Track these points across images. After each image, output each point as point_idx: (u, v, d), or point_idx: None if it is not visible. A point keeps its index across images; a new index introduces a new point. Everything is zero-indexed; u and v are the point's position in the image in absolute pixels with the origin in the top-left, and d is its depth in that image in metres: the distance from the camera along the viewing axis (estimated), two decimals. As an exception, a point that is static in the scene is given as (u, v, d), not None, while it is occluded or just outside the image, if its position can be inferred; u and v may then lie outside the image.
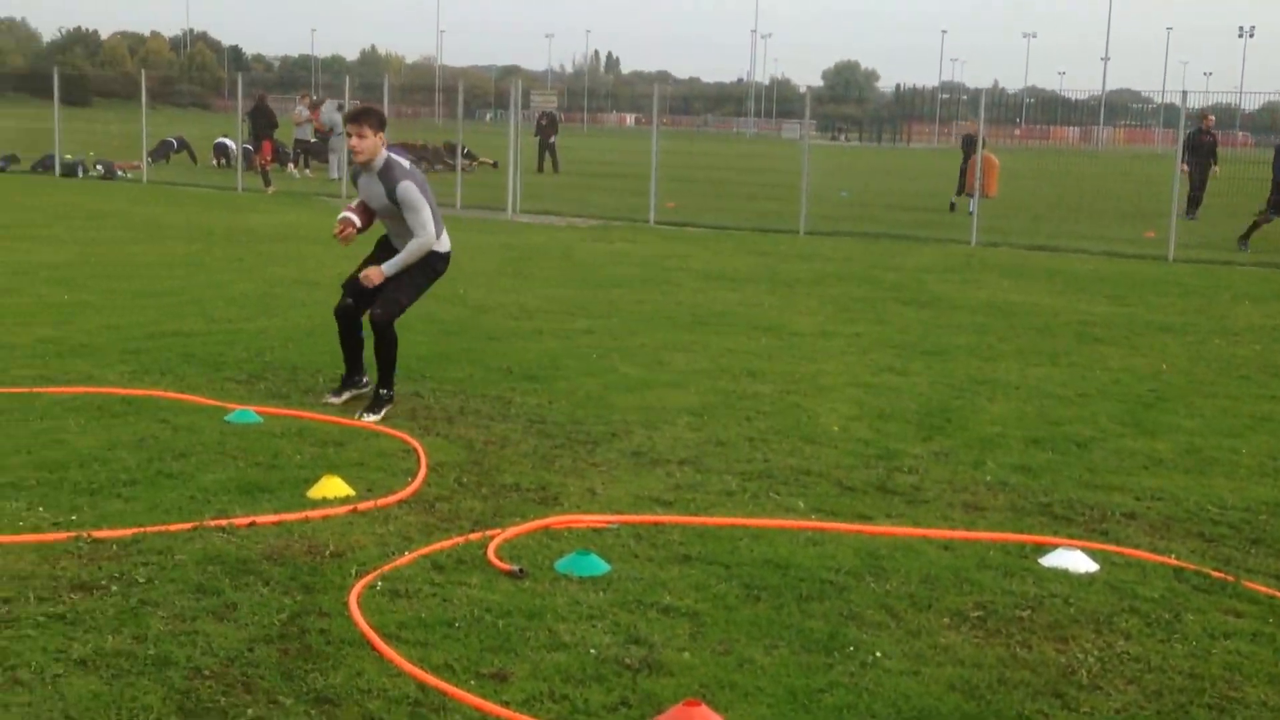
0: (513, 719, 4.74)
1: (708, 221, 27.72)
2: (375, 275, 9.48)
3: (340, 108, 36.94)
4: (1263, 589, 6.50)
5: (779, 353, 12.39)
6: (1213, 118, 33.14)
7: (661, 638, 5.56)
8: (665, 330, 13.46)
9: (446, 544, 6.62)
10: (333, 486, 7.41)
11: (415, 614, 5.71)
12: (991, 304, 16.42)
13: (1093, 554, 6.83)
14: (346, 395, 9.84)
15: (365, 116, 9.49)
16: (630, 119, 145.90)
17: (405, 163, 9.59)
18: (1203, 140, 31.42)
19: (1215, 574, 6.68)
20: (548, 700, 4.93)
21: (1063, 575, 6.58)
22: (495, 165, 41.41)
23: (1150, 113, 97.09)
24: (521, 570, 6.26)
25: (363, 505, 7.18)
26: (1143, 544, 7.15)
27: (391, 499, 7.33)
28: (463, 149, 35.13)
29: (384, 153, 9.50)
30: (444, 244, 9.76)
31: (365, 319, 9.63)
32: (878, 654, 5.49)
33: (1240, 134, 72.42)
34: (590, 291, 16.23)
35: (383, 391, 9.55)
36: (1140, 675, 5.43)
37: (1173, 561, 6.85)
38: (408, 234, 9.51)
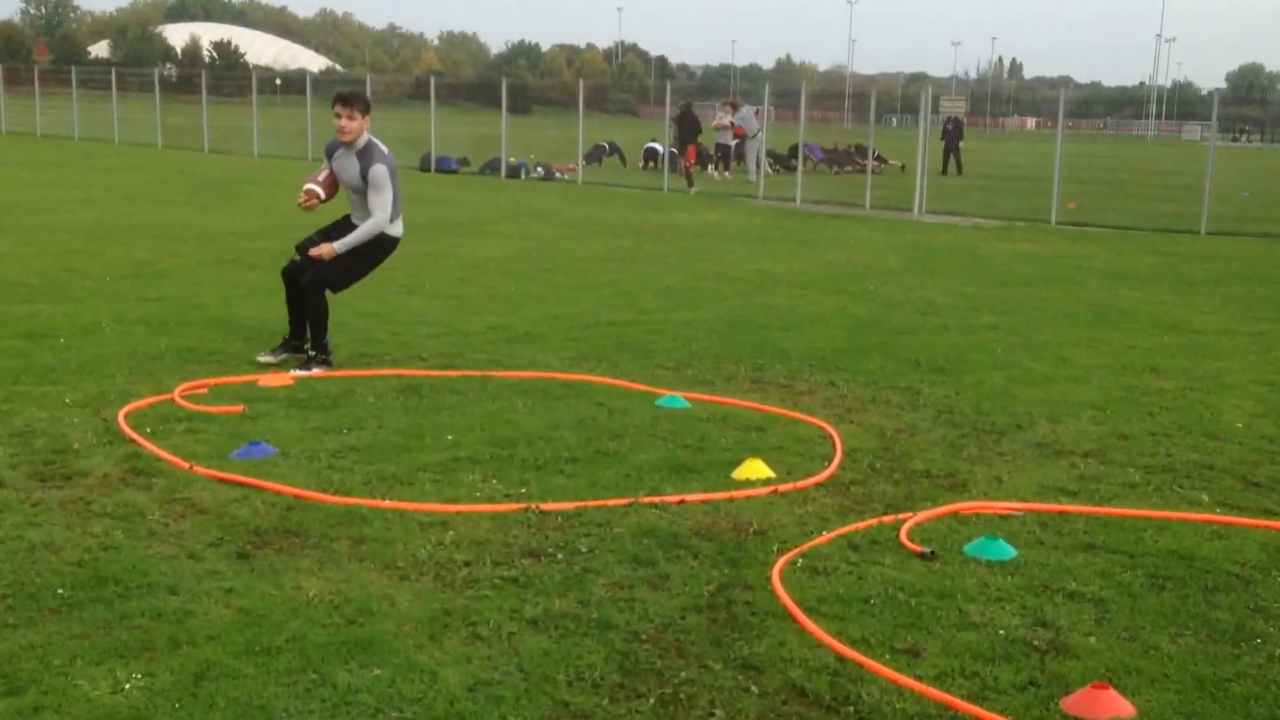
0: (927, 693, 4.73)
1: (1108, 222, 26.89)
2: (327, 251, 9.93)
3: (758, 112, 37.25)
4: None
5: (1181, 350, 11.96)
6: None
7: (1068, 622, 5.46)
8: (1067, 327, 13.16)
9: (861, 525, 6.63)
10: (755, 469, 7.50)
11: (833, 590, 5.74)
12: (1403, 304, 15.41)
13: None
14: (283, 355, 10.20)
15: (355, 101, 9.88)
16: (1031, 122, 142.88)
17: (384, 148, 10.01)
18: None
19: None
20: (959, 677, 4.90)
21: None
22: (903, 168, 41.09)
23: None
24: (933, 552, 6.23)
25: (783, 487, 7.25)
26: None
27: (810, 482, 7.38)
28: (873, 152, 35.01)
29: (366, 135, 9.90)
30: (397, 229, 10.18)
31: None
32: (1286, 647, 5.26)
33: None
34: (994, 289, 15.98)
35: (312, 353, 10.02)
36: None
37: None
38: (367, 212, 9.95)
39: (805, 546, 6.27)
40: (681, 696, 4.66)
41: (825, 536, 6.44)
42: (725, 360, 10.85)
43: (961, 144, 45.65)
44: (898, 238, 22.60)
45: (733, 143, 39.64)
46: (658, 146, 41.99)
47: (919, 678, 4.85)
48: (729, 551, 6.19)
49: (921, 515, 6.81)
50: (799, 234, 22.84)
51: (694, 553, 6.17)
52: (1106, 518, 6.93)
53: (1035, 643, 5.23)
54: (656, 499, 6.93)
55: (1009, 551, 6.27)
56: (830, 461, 7.82)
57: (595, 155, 43.02)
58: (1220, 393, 10.11)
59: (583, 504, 6.80)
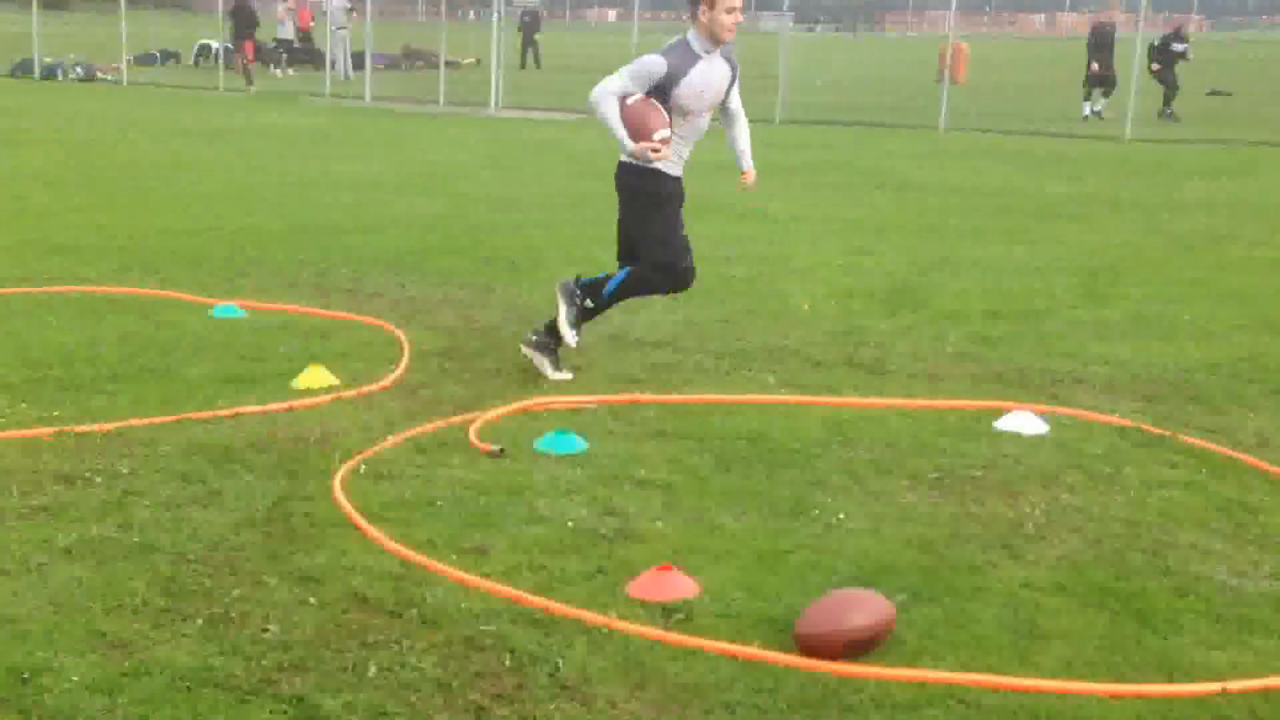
0: (493, 590, 4.78)
1: (686, 112, 27.49)
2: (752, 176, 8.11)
3: (349, 10, 36.61)
4: (1196, 442, 6.71)
5: (754, 237, 12.39)
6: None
7: (636, 509, 5.62)
8: (643, 218, 13.40)
9: (429, 428, 6.65)
10: (317, 377, 7.40)
11: (398, 495, 5.74)
12: (958, 186, 16.51)
13: (1043, 417, 6.99)
14: None
15: None
16: (612, 14, 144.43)
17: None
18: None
19: (1154, 430, 6.87)
20: (526, 570, 4.98)
21: (1014, 437, 6.75)
22: (478, 62, 41.08)
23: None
24: (501, 450, 6.29)
25: (347, 393, 7.19)
26: (1089, 405, 7.34)
27: (375, 386, 7.34)
28: (444, 57, 34.82)
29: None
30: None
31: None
32: (841, 516, 5.60)
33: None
34: (573, 184, 16.19)
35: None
36: (1082, 525, 5.61)
37: (1116, 420, 7.04)
38: (693, 134, 7.86)
39: (369, 452, 6.24)
40: (233, 615, 4.57)
41: (390, 441, 6.42)
42: (287, 266, 10.66)
43: (538, 37, 45.93)
44: (474, 134, 22.65)
45: (295, 37, 38.85)
46: (212, 44, 40.77)
47: (486, 575, 4.90)
48: (287, 463, 6.10)
49: (491, 414, 6.86)
50: (369, 133, 22.61)
51: (249, 467, 6.05)
52: (677, 405, 7.14)
53: (603, 531, 5.36)
54: (208, 414, 6.75)
55: (579, 444, 6.39)
56: (397, 365, 7.80)
57: (149, 60, 41.54)
58: (789, 277, 10.55)
59: (124, 423, 6.56)
